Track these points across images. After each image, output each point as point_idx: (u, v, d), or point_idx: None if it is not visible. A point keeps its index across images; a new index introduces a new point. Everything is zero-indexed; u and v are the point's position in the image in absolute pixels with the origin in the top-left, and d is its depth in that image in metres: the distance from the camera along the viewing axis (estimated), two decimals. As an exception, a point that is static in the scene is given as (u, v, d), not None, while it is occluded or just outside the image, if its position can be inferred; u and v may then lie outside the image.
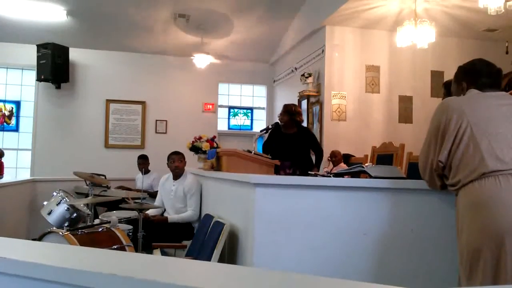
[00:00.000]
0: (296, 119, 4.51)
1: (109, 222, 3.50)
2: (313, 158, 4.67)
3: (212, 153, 3.81)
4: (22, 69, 8.20)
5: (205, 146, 4.17)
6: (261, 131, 4.30)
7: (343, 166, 5.60)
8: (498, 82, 2.19)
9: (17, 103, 8.26)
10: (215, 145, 4.28)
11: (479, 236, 1.87)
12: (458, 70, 2.29)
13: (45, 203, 3.78)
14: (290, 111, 4.48)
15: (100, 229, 3.31)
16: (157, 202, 4.64)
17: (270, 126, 4.33)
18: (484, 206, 1.87)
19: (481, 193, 1.89)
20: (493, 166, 1.89)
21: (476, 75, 2.16)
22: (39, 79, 7.71)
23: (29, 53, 7.63)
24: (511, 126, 1.97)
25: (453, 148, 2.03)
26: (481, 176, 1.90)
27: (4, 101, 8.16)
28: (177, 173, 4.47)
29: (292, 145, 4.35)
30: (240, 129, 9.28)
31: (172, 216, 4.30)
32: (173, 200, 4.41)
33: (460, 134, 2.00)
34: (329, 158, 5.91)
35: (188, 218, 4.26)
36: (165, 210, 4.54)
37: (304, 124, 6.93)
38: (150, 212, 4.37)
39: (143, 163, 6.44)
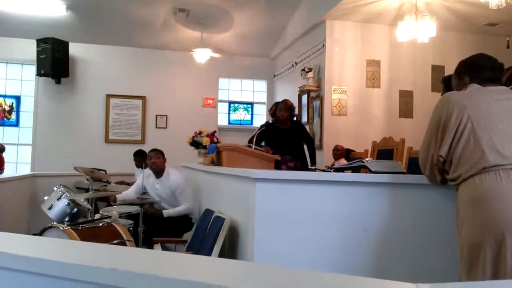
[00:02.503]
0: (293, 115, 4.74)
1: (110, 217, 3.51)
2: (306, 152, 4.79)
3: (212, 148, 3.81)
4: (22, 64, 8.19)
5: (205, 141, 4.16)
6: (261, 126, 4.32)
7: (343, 161, 5.60)
8: (500, 76, 2.18)
9: (17, 98, 8.25)
10: (215, 140, 4.27)
11: (479, 231, 1.87)
12: (460, 64, 2.27)
13: (45, 198, 3.80)
14: (291, 108, 4.67)
15: (101, 224, 3.32)
16: (131, 189, 4.65)
17: (270, 121, 4.38)
18: (485, 201, 1.87)
19: (482, 188, 1.89)
20: (494, 161, 1.88)
21: (479, 69, 2.15)
22: (39, 74, 7.71)
23: (29, 48, 7.62)
24: (512, 121, 1.97)
25: (454, 142, 2.02)
26: (481, 170, 1.90)
27: (4, 96, 8.16)
28: (155, 170, 4.46)
29: (289, 140, 4.53)
30: (240, 124, 9.27)
31: (167, 210, 4.32)
32: (162, 198, 4.41)
33: (460, 128, 2.00)
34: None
35: (184, 211, 4.30)
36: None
37: (304, 118, 6.98)
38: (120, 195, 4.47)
39: (140, 160, 6.19)
